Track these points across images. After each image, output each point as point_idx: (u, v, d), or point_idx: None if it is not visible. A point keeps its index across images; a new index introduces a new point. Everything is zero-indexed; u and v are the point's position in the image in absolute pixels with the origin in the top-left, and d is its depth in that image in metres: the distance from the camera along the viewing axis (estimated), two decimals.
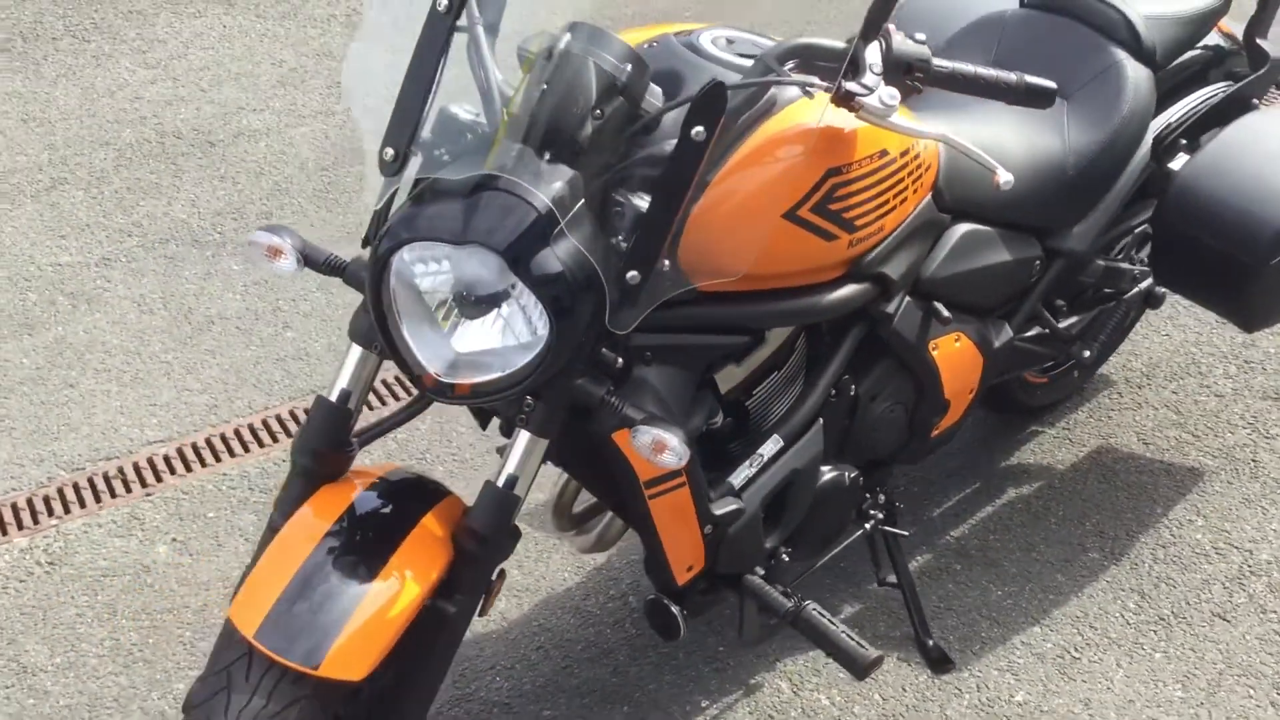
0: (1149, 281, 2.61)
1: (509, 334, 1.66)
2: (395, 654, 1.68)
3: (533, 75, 1.68)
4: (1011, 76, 1.78)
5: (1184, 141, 2.48)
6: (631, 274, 1.64)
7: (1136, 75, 2.32)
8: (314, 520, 1.72)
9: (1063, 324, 2.50)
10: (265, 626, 1.61)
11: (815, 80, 1.70)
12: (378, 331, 1.71)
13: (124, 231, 3.73)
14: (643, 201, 1.68)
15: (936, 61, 1.73)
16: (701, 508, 1.93)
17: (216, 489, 2.92)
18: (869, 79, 1.68)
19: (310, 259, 1.80)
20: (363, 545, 1.70)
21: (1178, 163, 2.45)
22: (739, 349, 1.93)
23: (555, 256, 1.60)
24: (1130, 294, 2.60)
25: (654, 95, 1.71)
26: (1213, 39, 2.52)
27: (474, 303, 1.66)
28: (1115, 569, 2.52)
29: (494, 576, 1.87)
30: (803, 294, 1.91)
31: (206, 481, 2.93)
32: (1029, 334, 2.43)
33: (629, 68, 1.65)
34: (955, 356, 2.25)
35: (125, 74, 4.48)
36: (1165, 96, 2.43)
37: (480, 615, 1.90)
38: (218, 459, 3.01)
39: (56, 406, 3.13)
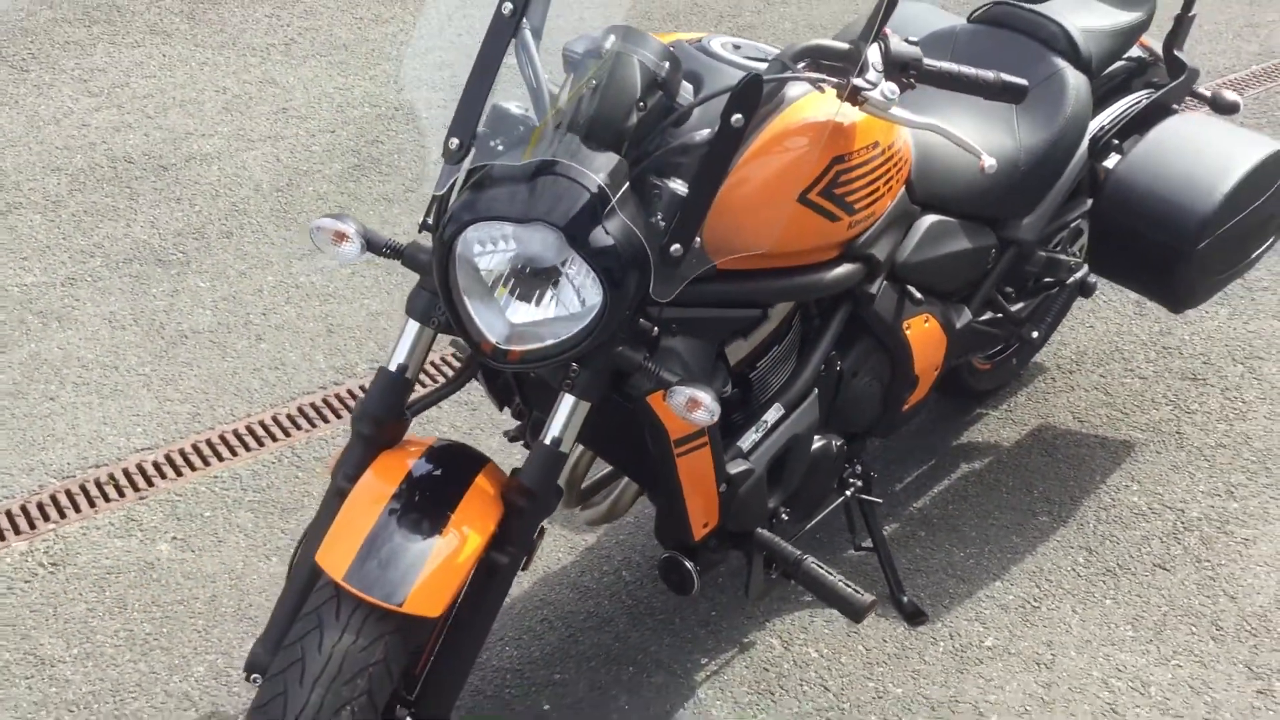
0: (1084, 271, 2.89)
1: (560, 307, 1.84)
2: (455, 599, 1.85)
3: (580, 73, 1.87)
4: (990, 74, 2.03)
5: (1116, 142, 2.76)
6: (675, 247, 1.83)
7: (1076, 81, 2.59)
8: (382, 482, 1.87)
9: (1011, 309, 2.75)
10: (352, 570, 1.76)
11: (831, 77, 1.92)
12: (444, 304, 1.87)
13: (86, 252, 3.81)
14: (677, 184, 1.88)
15: (927, 61, 1.97)
16: (719, 467, 2.12)
17: (210, 490, 3.03)
18: (872, 76, 1.91)
19: (372, 244, 1.96)
20: (428, 502, 1.86)
21: (1110, 161, 2.73)
22: (748, 323, 2.14)
23: (608, 232, 1.79)
24: (1068, 283, 2.87)
25: (685, 91, 1.92)
26: (1135, 51, 2.82)
27: (528, 278, 1.83)
28: (1063, 530, 2.77)
29: (535, 534, 2.04)
30: (806, 272, 2.13)
31: (199, 484, 3.04)
32: (984, 317, 2.68)
33: (667, 65, 1.86)
34: (924, 336, 2.48)
35: (69, 102, 4.56)
36: (1098, 102, 2.72)
37: (523, 570, 2.07)
38: (206, 463, 3.11)
39: (39, 419, 3.21)
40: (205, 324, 3.55)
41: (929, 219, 2.41)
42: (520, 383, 2.25)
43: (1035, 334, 2.78)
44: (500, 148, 1.88)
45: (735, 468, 2.16)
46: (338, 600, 1.77)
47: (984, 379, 3.03)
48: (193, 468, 3.10)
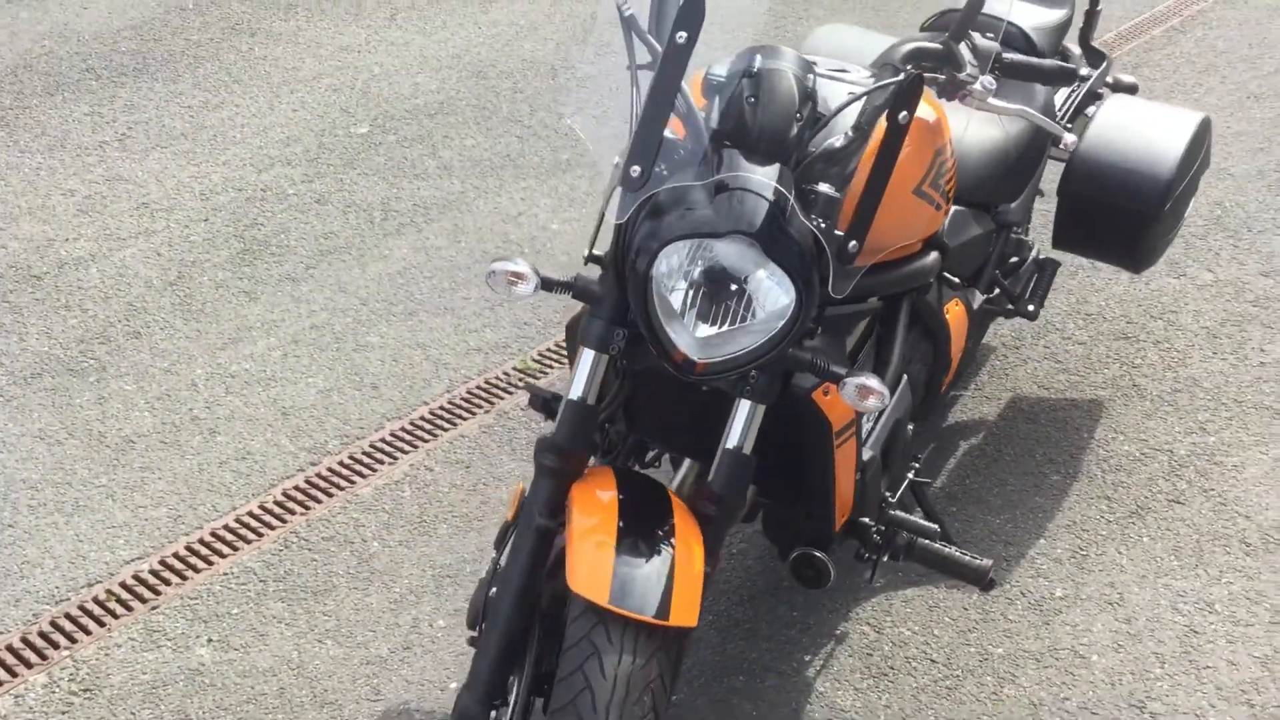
0: (1035, 250, 3.14)
1: (748, 317, 1.89)
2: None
3: (732, 93, 1.94)
4: (1049, 63, 2.23)
5: (1069, 127, 3.03)
6: (853, 244, 1.92)
7: (990, 85, 2.83)
8: (601, 510, 1.88)
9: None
10: (615, 593, 1.76)
11: (962, 74, 2.06)
12: (641, 325, 1.90)
13: None
14: (826, 187, 1.97)
15: (1006, 55, 2.15)
16: (859, 456, 2.22)
17: (225, 588, 2.89)
18: (970, 71, 2.07)
19: (545, 282, 1.96)
20: (648, 523, 1.88)
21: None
22: (868, 315, 2.25)
23: (793, 237, 1.87)
24: (1028, 261, 3.11)
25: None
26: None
27: (712, 294, 1.88)
28: (1077, 484, 2.99)
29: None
30: (911, 262, 2.26)
31: (210, 584, 2.89)
32: (989, 297, 2.88)
33: (810, 77, 1.96)
34: (957, 319, 2.66)
35: None
36: None
37: (712, 574, 2.10)
38: (208, 563, 2.97)
39: (6, 548, 2.98)
40: (148, 426, 3.38)
41: (954, 208, 2.59)
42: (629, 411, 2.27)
43: (1031, 307, 3.01)
44: (666, 173, 1.93)
45: (865, 455, 2.26)
46: (605, 625, 1.76)
47: None
48: (195, 570, 2.95)
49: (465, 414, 3.40)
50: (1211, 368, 3.33)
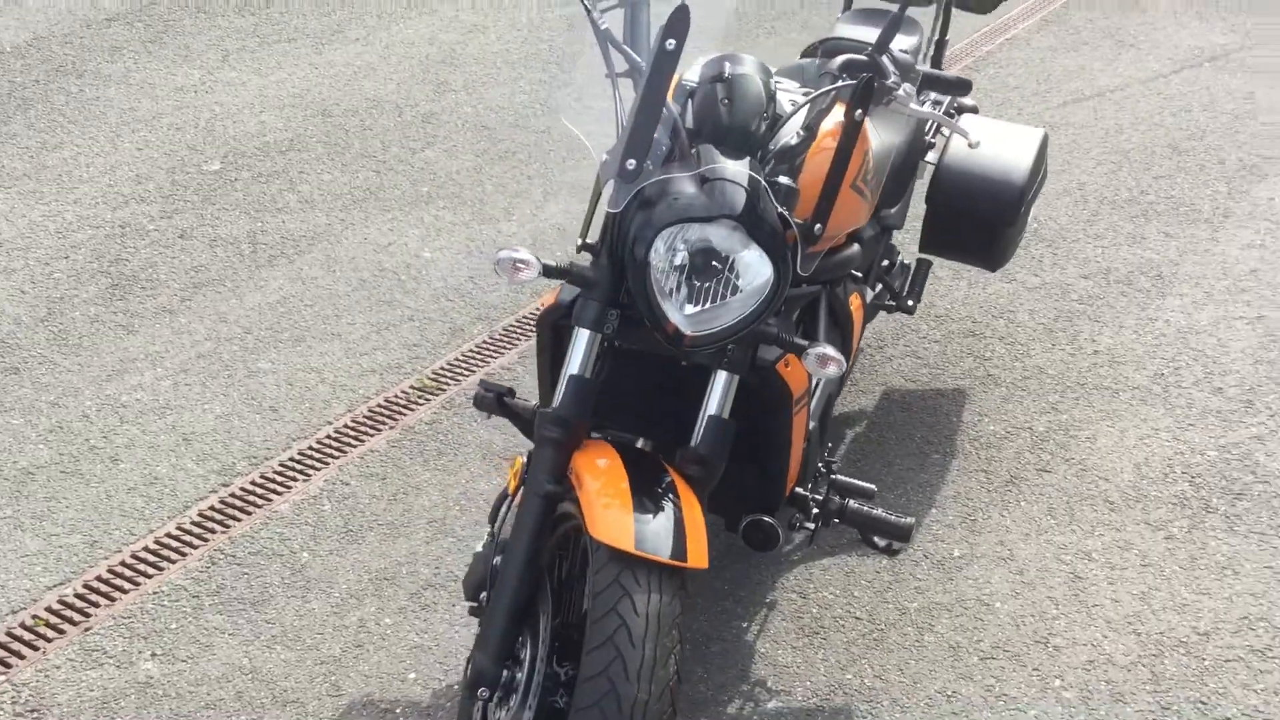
0: (898, 253, 3.47)
1: (730, 294, 2.10)
2: None
3: (706, 96, 2.17)
4: (950, 74, 2.54)
5: (932, 142, 3.37)
6: (818, 226, 2.17)
7: (910, 92, 3.17)
8: (610, 470, 2.05)
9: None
10: (639, 540, 1.93)
11: (889, 81, 2.33)
12: (639, 304, 2.08)
13: None
14: (784, 179, 2.20)
15: (919, 67, 2.45)
16: (808, 425, 2.45)
17: (158, 606, 2.91)
18: (894, 79, 2.36)
19: (546, 269, 2.13)
20: (653, 480, 2.06)
21: (932, 157, 3.33)
22: (808, 299, 2.50)
23: (770, 221, 2.10)
24: (897, 263, 3.43)
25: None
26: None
27: (699, 273, 2.09)
28: (956, 461, 3.31)
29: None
30: (840, 251, 2.52)
31: (142, 603, 2.91)
32: (875, 292, 3.18)
33: (772, 81, 2.21)
34: (857, 311, 2.93)
35: None
36: None
37: None
38: (134, 584, 2.98)
39: None
40: (45, 458, 3.35)
41: None
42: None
43: (911, 301, 3.32)
44: (650, 166, 2.13)
45: (810, 423, 2.50)
46: (631, 570, 1.93)
47: None
48: (122, 590, 2.96)
49: (371, 430, 3.49)
50: (1053, 357, 3.72)
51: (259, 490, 3.27)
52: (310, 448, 3.42)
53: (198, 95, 5.52)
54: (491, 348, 3.85)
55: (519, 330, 3.94)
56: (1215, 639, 2.71)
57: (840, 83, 2.33)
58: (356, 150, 5.08)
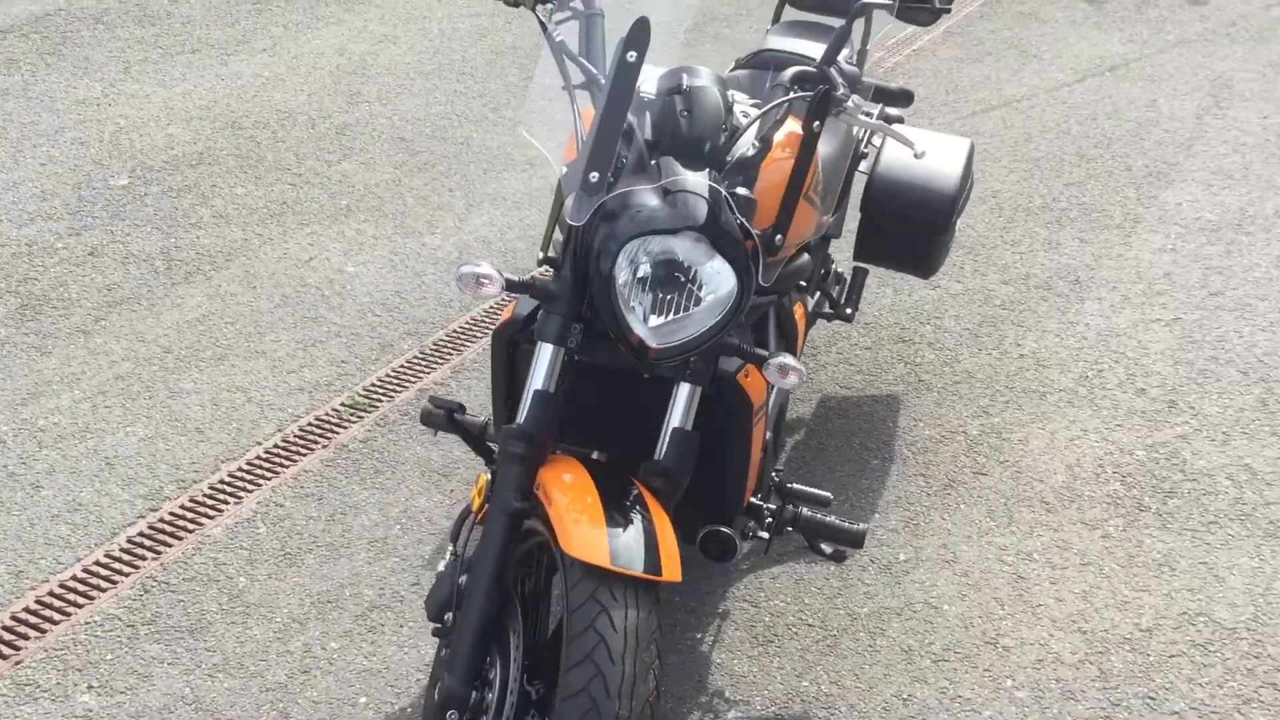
0: (833, 264, 3.50)
1: (693, 306, 2.09)
2: None
3: (664, 108, 2.16)
4: (893, 85, 2.56)
5: (865, 152, 3.40)
6: (779, 237, 2.17)
7: (859, 103, 3.19)
8: (578, 485, 2.02)
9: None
10: (615, 555, 1.91)
11: (838, 93, 2.34)
12: (604, 315, 2.06)
13: None
14: (742, 189, 2.20)
15: (865, 79, 2.47)
16: (765, 434, 2.45)
17: (91, 637, 2.81)
18: (844, 90, 2.37)
19: (509, 283, 2.09)
20: (619, 494, 2.04)
21: (864, 167, 3.36)
22: (764, 308, 2.50)
23: (732, 232, 2.10)
24: (832, 271, 3.46)
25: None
26: None
27: (662, 285, 2.08)
28: (895, 466, 3.34)
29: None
30: (792, 261, 2.53)
31: (74, 634, 2.81)
32: (814, 300, 3.20)
33: (730, 93, 2.21)
34: (801, 321, 2.95)
35: None
36: None
37: None
38: (64, 614, 2.88)
39: None
40: None
41: None
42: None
43: (850, 310, 3.34)
44: (612, 179, 2.11)
45: (766, 434, 2.50)
46: (608, 585, 1.90)
47: None
48: (52, 621, 2.85)
49: (303, 450, 3.41)
50: (980, 361, 3.78)
51: (189, 514, 3.18)
52: (240, 469, 3.34)
53: (100, 108, 5.37)
54: (423, 363, 3.79)
55: (449, 345, 3.89)
56: (1158, 635, 2.77)
57: (792, 94, 2.34)
58: (270, 163, 4.98)
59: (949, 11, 2.53)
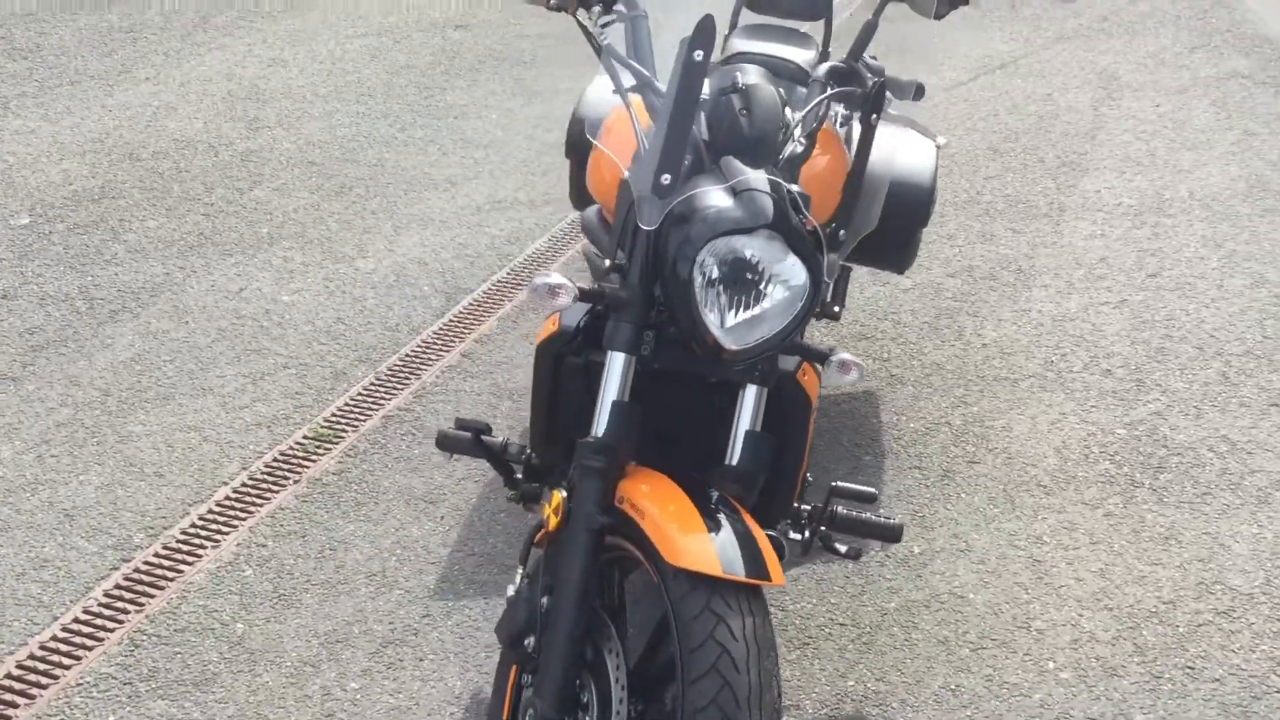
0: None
1: (768, 304, 2.04)
2: None
3: (721, 108, 2.10)
4: (906, 79, 2.55)
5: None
6: (842, 233, 2.13)
7: (890, 99, 3.18)
8: (672, 495, 1.94)
9: None
10: (724, 563, 1.83)
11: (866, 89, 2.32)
12: (682, 319, 1.99)
13: None
14: (796, 186, 2.16)
15: (888, 74, 2.46)
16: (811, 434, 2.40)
17: (87, 699, 2.62)
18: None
19: (582, 293, 2.01)
20: (707, 502, 1.97)
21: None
22: None
23: (800, 228, 2.05)
24: None
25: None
26: None
27: (732, 286, 2.02)
28: (888, 460, 3.33)
29: None
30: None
31: (69, 697, 2.62)
32: None
33: (781, 90, 2.16)
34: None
35: None
36: None
37: None
38: (53, 678, 2.68)
39: None
40: None
41: None
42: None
43: (837, 308, 3.31)
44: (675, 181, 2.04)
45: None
46: (720, 594, 1.83)
47: None
48: (40, 687, 2.65)
49: (274, 487, 3.25)
50: (946, 353, 3.81)
51: (166, 562, 3.00)
52: (211, 511, 3.16)
53: None
54: (381, 389, 3.65)
55: (405, 370, 3.75)
56: (1181, 606, 2.81)
57: (830, 90, 2.31)
58: (178, 194, 4.76)
59: (967, 3, 2.53)
